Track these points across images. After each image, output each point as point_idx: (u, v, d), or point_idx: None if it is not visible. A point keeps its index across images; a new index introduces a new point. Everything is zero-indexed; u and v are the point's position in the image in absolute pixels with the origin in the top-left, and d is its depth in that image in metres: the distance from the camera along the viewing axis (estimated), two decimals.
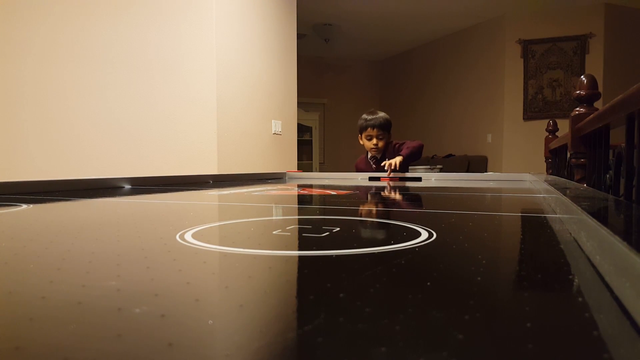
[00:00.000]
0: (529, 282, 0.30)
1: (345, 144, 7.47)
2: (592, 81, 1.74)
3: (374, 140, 2.35)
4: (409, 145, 2.30)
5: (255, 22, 3.15)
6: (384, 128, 2.35)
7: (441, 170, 5.21)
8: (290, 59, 3.61)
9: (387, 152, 2.43)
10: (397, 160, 2.17)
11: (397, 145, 2.45)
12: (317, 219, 0.68)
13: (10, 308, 0.24)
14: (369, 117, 2.36)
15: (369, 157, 2.43)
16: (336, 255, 0.36)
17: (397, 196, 1.20)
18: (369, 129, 2.37)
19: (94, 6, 2.83)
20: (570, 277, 0.30)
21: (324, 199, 1.05)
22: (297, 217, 0.71)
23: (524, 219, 0.69)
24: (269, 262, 0.35)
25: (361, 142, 2.43)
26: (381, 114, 2.38)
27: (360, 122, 2.38)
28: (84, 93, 2.86)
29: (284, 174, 2.27)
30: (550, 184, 0.98)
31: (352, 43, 6.76)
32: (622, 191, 1.19)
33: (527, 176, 1.83)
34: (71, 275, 0.32)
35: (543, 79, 5.47)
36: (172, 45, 2.81)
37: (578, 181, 1.79)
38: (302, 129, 6.67)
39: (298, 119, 4.08)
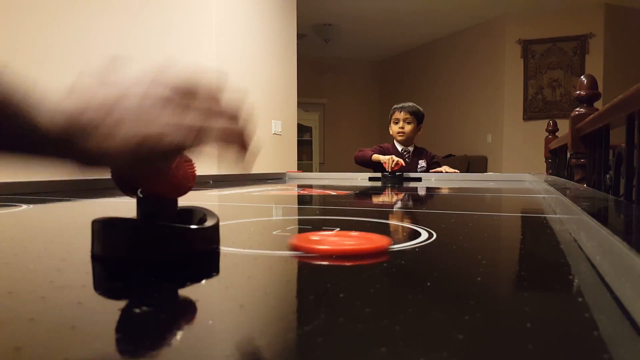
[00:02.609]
0: (529, 282, 0.30)
1: (345, 144, 7.46)
2: (592, 81, 1.75)
3: (400, 124, 2.35)
4: (444, 169, 2.29)
5: (255, 22, 3.15)
6: (413, 114, 2.36)
7: None
8: (290, 59, 3.61)
9: (417, 151, 2.43)
10: (399, 163, 2.16)
11: (431, 154, 2.45)
12: (317, 219, 0.68)
13: (10, 308, 0.24)
14: (399, 104, 2.40)
15: (400, 149, 2.41)
16: (336, 256, 0.36)
17: (397, 196, 1.20)
18: (396, 112, 2.38)
19: (94, 6, 2.83)
20: (570, 277, 0.30)
21: (324, 199, 1.05)
22: (297, 217, 0.71)
23: (524, 219, 0.69)
24: (269, 262, 0.35)
25: (391, 132, 2.44)
26: (412, 103, 2.41)
27: (391, 110, 2.42)
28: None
29: (284, 174, 2.27)
30: (550, 184, 0.98)
31: (352, 43, 6.76)
32: (622, 191, 1.19)
33: (527, 176, 1.83)
34: (71, 275, 0.32)
35: (543, 79, 5.47)
36: (172, 45, 2.81)
37: (578, 181, 1.80)
38: (302, 129, 6.66)
39: (298, 119, 4.09)
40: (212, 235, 0.36)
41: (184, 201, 0.36)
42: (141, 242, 0.32)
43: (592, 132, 1.53)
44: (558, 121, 3.42)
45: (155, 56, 2.81)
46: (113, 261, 0.33)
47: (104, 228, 0.33)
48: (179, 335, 0.20)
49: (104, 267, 0.33)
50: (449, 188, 1.51)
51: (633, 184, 1.10)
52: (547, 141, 3.34)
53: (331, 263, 0.34)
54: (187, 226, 0.34)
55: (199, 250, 0.35)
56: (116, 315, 0.23)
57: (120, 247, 0.33)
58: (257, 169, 3.06)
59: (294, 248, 0.37)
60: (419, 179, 2.05)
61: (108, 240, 0.33)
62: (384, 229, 0.56)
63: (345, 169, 3.19)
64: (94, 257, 0.34)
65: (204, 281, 0.30)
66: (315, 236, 0.41)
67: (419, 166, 2.39)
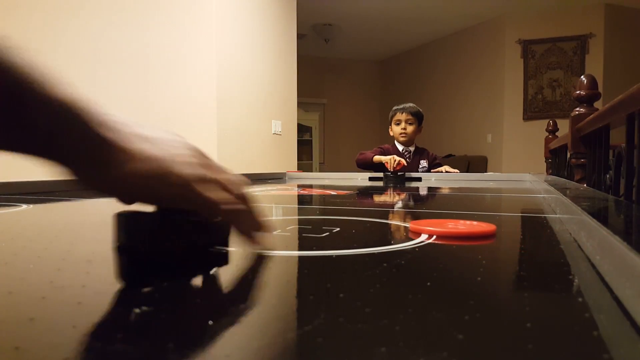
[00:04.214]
0: (529, 282, 0.30)
1: (345, 144, 7.47)
2: (592, 81, 1.75)
3: (402, 125, 2.37)
4: (446, 169, 2.30)
5: (255, 22, 3.15)
6: (414, 114, 2.38)
7: None
8: (290, 59, 3.61)
9: (417, 151, 2.43)
10: (401, 162, 2.17)
11: (433, 155, 2.46)
12: (317, 219, 0.68)
13: (10, 308, 0.24)
14: (400, 105, 2.41)
15: (401, 149, 2.43)
16: (336, 256, 0.36)
17: (397, 196, 1.20)
18: (398, 113, 2.40)
19: (94, 5, 2.83)
20: (570, 277, 0.30)
21: (324, 199, 1.05)
22: (297, 217, 0.71)
23: (524, 219, 0.69)
24: (269, 262, 0.35)
25: (391, 133, 2.45)
26: (412, 104, 2.42)
27: (391, 112, 2.43)
28: (84, 92, 2.86)
29: (284, 174, 2.27)
30: (550, 184, 0.98)
31: (352, 43, 6.76)
32: (622, 191, 1.19)
33: (527, 176, 1.83)
34: (71, 275, 0.32)
35: (543, 79, 5.47)
36: (172, 45, 2.81)
37: (578, 181, 1.80)
38: (302, 129, 6.67)
39: (298, 119, 4.09)
40: (226, 230, 0.39)
41: None
42: (163, 233, 0.35)
43: (592, 132, 1.54)
44: (558, 121, 3.42)
45: (155, 57, 2.81)
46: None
47: (127, 220, 0.36)
48: (179, 335, 0.20)
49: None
50: (449, 188, 1.51)
51: (633, 184, 1.10)
52: (547, 141, 3.34)
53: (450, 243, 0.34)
54: (205, 219, 0.37)
55: (214, 244, 0.38)
56: (116, 315, 0.23)
57: (143, 237, 0.36)
58: (257, 169, 3.06)
59: (415, 231, 0.45)
60: (419, 179, 2.06)
61: (132, 231, 0.36)
62: (384, 229, 0.56)
63: (345, 169, 3.19)
64: (118, 248, 0.36)
65: (204, 281, 0.30)
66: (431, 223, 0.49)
67: (420, 166, 2.40)
